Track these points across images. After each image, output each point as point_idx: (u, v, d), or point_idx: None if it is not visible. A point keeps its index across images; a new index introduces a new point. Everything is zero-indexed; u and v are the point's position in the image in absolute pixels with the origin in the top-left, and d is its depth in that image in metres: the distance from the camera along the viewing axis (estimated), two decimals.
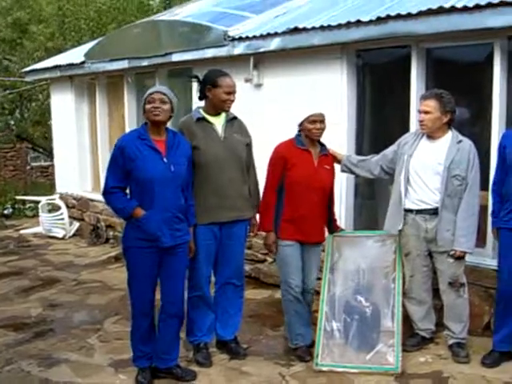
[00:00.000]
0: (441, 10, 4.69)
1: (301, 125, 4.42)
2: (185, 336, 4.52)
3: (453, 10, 4.64)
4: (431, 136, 4.43)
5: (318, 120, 4.37)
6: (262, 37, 5.95)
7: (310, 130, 4.38)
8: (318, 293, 4.66)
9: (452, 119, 4.40)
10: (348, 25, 5.22)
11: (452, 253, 4.33)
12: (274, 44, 5.86)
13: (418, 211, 4.41)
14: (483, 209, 4.60)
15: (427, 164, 4.38)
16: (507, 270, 4.28)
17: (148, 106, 3.91)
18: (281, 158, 4.44)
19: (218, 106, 4.32)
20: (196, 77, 4.51)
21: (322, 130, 4.41)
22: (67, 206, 9.48)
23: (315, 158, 4.45)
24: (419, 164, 4.40)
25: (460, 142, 4.36)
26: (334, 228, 4.73)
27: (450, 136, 4.41)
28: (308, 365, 4.39)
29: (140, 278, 4.00)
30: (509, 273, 4.26)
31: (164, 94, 3.94)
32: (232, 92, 4.31)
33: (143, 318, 4.08)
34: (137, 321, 4.11)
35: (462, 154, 4.31)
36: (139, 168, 3.86)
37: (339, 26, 5.28)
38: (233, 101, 4.33)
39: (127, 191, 4.03)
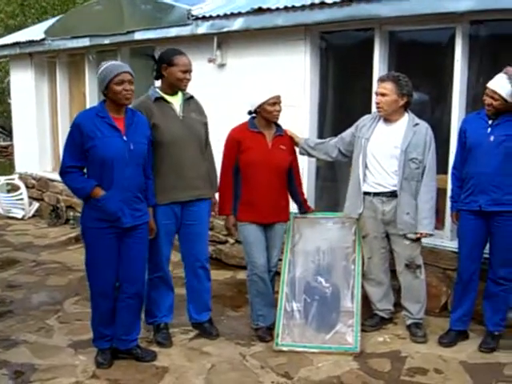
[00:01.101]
0: None
1: (259, 107, 4.40)
2: (144, 317, 4.49)
3: None
4: (388, 119, 4.46)
5: (277, 102, 4.37)
6: (225, 16, 5.91)
7: (271, 113, 4.38)
8: (279, 274, 4.68)
9: (409, 102, 4.43)
10: (312, 6, 5.21)
11: (417, 235, 4.39)
12: (238, 24, 5.82)
13: (376, 194, 4.45)
14: (442, 192, 4.67)
15: (384, 147, 4.41)
16: (466, 251, 4.36)
17: (118, 88, 3.80)
18: (234, 142, 4.45)
19: (174, 85, 4.27)
20: (152, 56, 4.46)
21: (280, 111, 4.42)
22: (27, 186, 9.33)
23: (269, 139, 4.45)
24: (376, 147, 4.43)
25: (416, 125, 4.40)
26: (305, 209, 4.75)
27: (406, 119, 4.44)
28: (268, 345, 4.42)
29: (100, 260, 3.94)
30: (468, 254, 4.35)
31: (131, 75, 3.88)
32: (188, 71, 4.26)
33: (104, 299, 4.03)
34: (97, 303, 4.07)
35: (419, 137, 4.35)
36: (98, 146, 3.78)
37: (303, 7, 5.28)
38: (189, 80, 4.29)
39: (85, 171, 3.94)
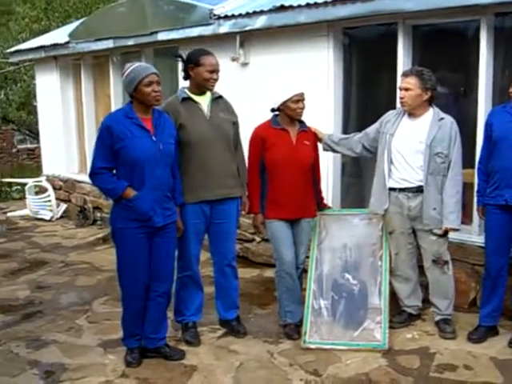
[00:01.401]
0: None
1: (283, 104, 4.39)
2: (173, 316, 4.53)
3: None
4: (412, 114, 4.43)
5: (301, 99, 4.37)
6: (247, 15, 5.91)
7: (294, 110, 4.38)
8: (306, 271, 4.67)
9: (433, 96, 4.40)
10: (334, 2, 5.18)
11: (443, 230, 4.35)
12: (260, 22, 5.82)
13: (401, 189, 4.42)
14: (469, 186, 4.62)
15: (409, 142, 4.38)
16: (493, 246, 4.31)
17: (148, 89, 3.84)
18: (258, 139, 4.46)
19: (201, 85, 4.29)
20: (180, 56, 4.47)
21: (304, 108, 4.41)
22: (54, 188, 9.43)
23: (293, 136, 4.45)
24: (401, 143, 4.40)
25: (441, 119, 4.36)
26: (321, 206, 4.73)
27: (431, 113, 4.41)
28: (296, 343, 4.41)
29: (132, 260, 3.96)
30: (495, 249, 4.30)
31: (158, 76, 3.91)
32: (215, 70, 4.27)
33: (135, 299, 4.06)
34: (128, 302, 4.09)
35: (444, 132, 4.32)
36: (129, 147, 3.82)
37: (325, 4, 5.25)
38: (216, 79, 4.30)
39: (114, 172, 3.97)
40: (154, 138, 3.89)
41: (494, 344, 4.33)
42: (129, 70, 3.91)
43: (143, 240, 3.94)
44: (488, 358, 4.13)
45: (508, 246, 4.30)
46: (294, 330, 4.50)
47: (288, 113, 4.41)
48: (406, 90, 4.34)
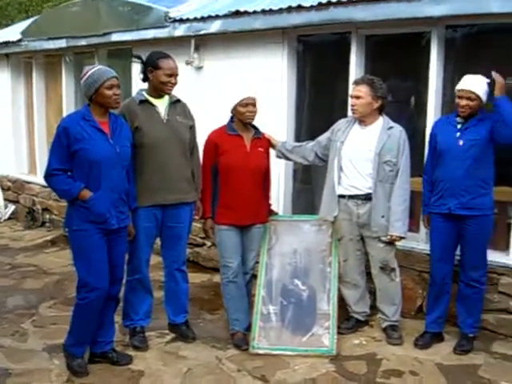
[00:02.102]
0: None
1: (234, 109, 4.41)
2: (120, 320, 4.48)
3: None
4: (362, 122, 4.49)
5: (250, 103, 4.36)
6: (203, 19, 5.91)
7: (243, 114, 4.38)
8: (256, 277, 4.67)
9: (383, 105, 4.48)
10: (289, 9, 5.23)
11: (388, 237, 4.41)
12: (215, 27, 5.82)
13: (351, 196, 4.48)
14: (418, 194, 4.70)
15: (358, 150, 4.44)
16: (437, 254, 4.41)
17: (109, 93, 3.82)
18: (212, 144, 4.45)
19: (158, 89, 4.27)
20: (139, 57, 4.42)
21: (254, 113, 4.40)
22: (2, 189, 9.23)
23: (247, 142, 4.45)
24: (351, 150, 4.46)
25: (391, 128, 4.44)
26: (269, 212, 4.73)
27: (381, 122, 4.48)
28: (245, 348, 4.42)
29: (91, 261, 3.88)
30: (439, 257, 4.40)
31: (118, 79, 3.89)
32: (173, 74, 4.25)
33: (97, 302, 3.93)
34: (85, 306, 3.94)
35: (393, 140, 4.39)
36: (86, 149, 3.78)
37: (280, 11, 5.30)
38: (174, 84, 4.28)
39: (69, 174, 3.90)
40: (111, 140, 3.86)
41: (439, 350, 4.42)
42: (90, 73, 3.87)
43: (101, 240, 3.89)
44: (433, 364, 4.21)
45: (452, 253, 4.40)
46: (242, 341, 4.46)
47: (238, 117, 4.42)
48: (357, 97, 4.41)
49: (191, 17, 6.01)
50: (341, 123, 4.63)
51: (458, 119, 4.28)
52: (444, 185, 4.29)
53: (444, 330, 4.57)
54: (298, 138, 5.69)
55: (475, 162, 4.17)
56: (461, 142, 4.21)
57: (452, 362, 4.24)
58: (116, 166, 3.87)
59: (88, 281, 3.89)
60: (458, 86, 4.23)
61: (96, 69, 3.90)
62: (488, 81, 4.17)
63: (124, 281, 4.28)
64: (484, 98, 4.16)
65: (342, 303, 4.72)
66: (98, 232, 3.87)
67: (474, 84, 4.15)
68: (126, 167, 4.00)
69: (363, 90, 4.39)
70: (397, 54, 5.35)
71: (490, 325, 4.68)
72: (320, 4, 5.02)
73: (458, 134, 4.24)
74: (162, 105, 4.31)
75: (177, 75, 4.30)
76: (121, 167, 3.92)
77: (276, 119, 5.62)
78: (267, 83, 5.62)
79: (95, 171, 3.82)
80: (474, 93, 4.12)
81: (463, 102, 4.17)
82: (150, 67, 4.25)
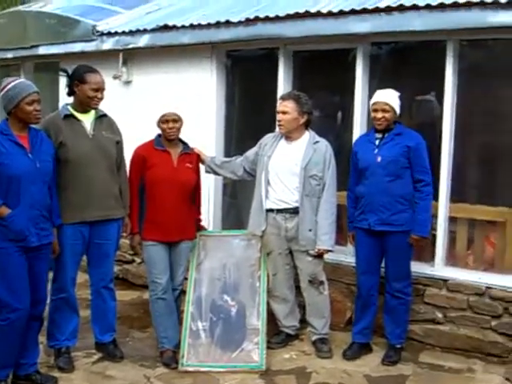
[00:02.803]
0: (307, 14, 4.84)
1: (157, 125, 4.39)
2: (45, 340, 4.34)
3: (318, 14, 4.79)
4: (289, 137, 4.53)
5: (170, 119, 4.33)
6: (131, 33, 5.87)
7: (164, 130, 4.36)
8: (185, 292, 4.62)
9: (309, 120, 4.53)
10: (218, 25, 5.26)
11: (315, 251, 4.44)
12: (144, 41, 5.79)
13: (279, 211, 4.49)
14: (345, 208, 4.75)
15: (285, 164, 4.47)
16: (362, 267, 4.49)
17: (30, 108, 3.73)
18: (139, 159, 4.40)
19: (84, 103, 4.18)
20: (65, 71, 4.33)
21: (177, 129, 4.38)
22: None
23: (175, 157, 4.42)
24: (278, 164, 4.48)
25: (316, 142, 4.49)
26: (198, 227, 4.70)
27: (307, 137, 4.52)
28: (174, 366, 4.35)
29: (12, 281, 3.73)
30: (363, 270, 4.48)
31: (39, 94, 3.80)
32: (100, 89, 4.18)
33: (19, 322, 3.79)
34: (8, 328, 3.80)
35: (319, 155, 4.44)
36: (4, 164, 3.66)
37: (209, 26, 5.32)
38: (100, 98, 4.20)
39: None
40: (30, 155, 3.76)
41: (368, 362, 4.47)
42: (9, 86, 3.77)
43: (20, 259, 3.75)
44: (362, 376, 4.25)
45: (377, 266, 4.47)
46: (171, 359, 4.39)
47: (162, 133, 4.40)
48: (284, 113, 4.44)
49: (119, 30, 5.96)
50: (268, 138, 4.66)
51: (377, 135, 4.39)
52: (365, 201, 4.38)
53: (372, 341, 4.65)
54: (227, 153, 5.69)
55: (393, 178, 4.27)
56: (379, 159, 4.30)
57: (380, 373, 4.30)
58: (36, 182, 3.76)
59: (8, 301, 3.74)
60: (372, 100, 4.35)
61: (16, 83, 3.80)
62: (399, 94, 4.32)
63: (49, 300, 4.15)
64: (397, 109, 4.30)
65: (272, 318, 4.71)
66: (17, 250, 3.74)
67: (388, 96, 4.29)
68: (48, 182, 3.88)
69: (289, 105, 4.43)
70: (324, 70, 5.42)
71: (417, 335, 4.77)
72: (248, 20, 5.07)
73: (376, 150, 4.34)
74: (87, 120, 4.23)
75: (103, 90, 4.22)
76: (41, 182, 3.81)
77: (206, 134, 5.62)
78: (196, 98, 5.61)
79: (14, 187, 3.69)
80: (388, 104, 4.26)
81: (379, 115, 4.28)
82: (76, 81, 4.17)
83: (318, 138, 4.51)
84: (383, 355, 4.48)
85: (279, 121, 4.47)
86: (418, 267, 4.71)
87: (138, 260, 6.13)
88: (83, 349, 4.56)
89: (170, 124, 4.33)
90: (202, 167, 4.72)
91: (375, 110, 4.30)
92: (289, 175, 4.44)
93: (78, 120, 4.19)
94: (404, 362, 4.45)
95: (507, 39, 4.43)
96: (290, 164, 4.45)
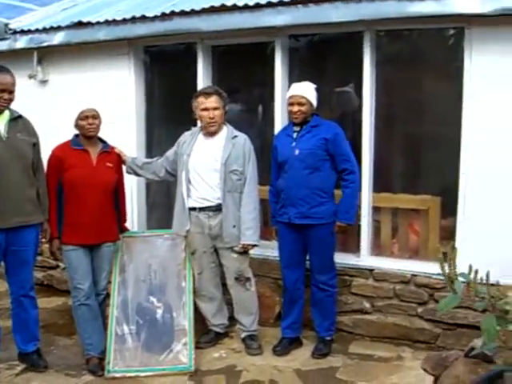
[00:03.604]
0: (223, 8, 4.79)
1: (75, 124, 4.26)
2: None
3: (235, 8, 4.75)
4: (210, 133, 4.46)
5: (89, 115, 4.23)
6: (45, 30, 5.67)
7: (83, 127, 4.24)
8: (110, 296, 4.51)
9: (226, 114, 4.49)
10: (133, 20, 5.15)
11: (239, 246, 4.40)
12: (58, 38, 5.60)
13: (201, 209, 4.42)
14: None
15: (205, 161, 4.40)
16: (285, 261, 4.48)
17: None
18: (57, 159, 4.26)
19: None
20: None
21: (97, 125, 4.27)
22: None
23: (94, 156, 4.29)
24: (197, 162, 4.41)
25: (235, 137, 4.44)
26: (122, 229, 4.59)
27: (225, 132, 4.47)
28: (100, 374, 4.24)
29: None
30: (287, 264, 4.47)
31: None
32: (5, 90, 3.97)
33: None
34: None
35: (238, 149, 4.39)
36: None
37: (124, 21, 5.20)
38: (7, 100, 4.00)
39: None
40: None
41: (298, 356, 4.47)
42: None
43: None
44: (292, 371, 4.24)
45: (300, 259, 4.46)
46: (97, 366, 4.27)
47: (81, 131, 4.27)
48: (215, 109, 4.36)
49: (33, 28, 5.75)
50: (186, 136, 4.58)
51: (295, 128, 4.38)
52: (284, 195, 4.36)
53: (302, 334, 4.64)
54: (149, 151, 5.59)
55: (312, 170, 4.26)
56: (297, 152, 4.29)
57: (310, 366, 4.30)
58: None
59: None
60: (288, 94, 4.34)
61: None
62: (315, 86, 4.31)
63: None
64: (314, 102, 4.30)
65: (200, 317, 4.65)
66: None
67: (304, 89, 4.28)
68: None
69: (217, 100, 4.37)
70: (244, 64, 5.37)
71: (346, 326, 4.81)
72: (164, 14, 4.98)
73: (294, 143, 4.33)
74: (1, 121, 4.04)
75: (11, 91, 4.01)
76: None
77: (126, 133, 5.49)
78: (115, 96, 5.48)
79: None
80: (304, 97, 4.25)
81: (295, 108, 4.27)
82: None
83: (236, 133, 4.46)
84: (313, 348, 4.48)
85: (211, 118, 4.36)
86: (343, 258, 4.75)
87: (62, 265, 5.94)
88: (5, 360, 4.40)
89: (89, 120, 4.22)
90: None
91: (291, 104, 4.28)
92: (209, 172, 4.37)
93: None
94: (334, 353, 4.47)
95: (423, 29, 4.49)
96: (209, 160, 4.38)
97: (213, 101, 4.37)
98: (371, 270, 4.74)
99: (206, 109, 4.38)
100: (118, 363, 4.25)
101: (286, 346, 4.51)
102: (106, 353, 4.27)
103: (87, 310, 4.28)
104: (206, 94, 4.43)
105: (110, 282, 4.51)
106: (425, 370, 3.17)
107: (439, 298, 4.43)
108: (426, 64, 4.78)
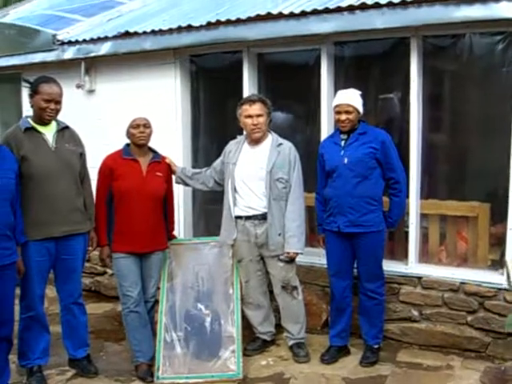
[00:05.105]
0: (269, 16, 4.80)
1: (127, 132, 4.32)
2: (17, 360, 4.23)
3: (280, 16, 4.76)
4: (255, 141, 4.46)
5: (141, 124, 4.28)
6: (92, 41, 5.78)
7: (134, 135, 4.29)
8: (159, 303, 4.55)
9: (270, 122, 4.50)
10: (179, 29, 5.21)
11: (285, 255, 4.39)
12: (105, 48, 5.71)
13: (247, 217, 4.43)
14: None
15: (250, 170, 4.41)
16: (334, 269, 4.45)
17: None
18: (107, 169, 4.33)
19: (37, 115, 4.06)
20: (29, 82, 4.18)
21: (148, 134, 4.32)
22: None
23: (144, 166, 4.34)
24: (243, 171, 4.42)
25: (280, 144, 4.44)
26: (170, 237, 4.63)
27: (270, 140, 4.47)
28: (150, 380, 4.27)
29: None
30: (335, 272, 4.44)
31: None
32: (52, 100, 4.02)
33: None
34: None
35: (283, 157, 4.39)
36: None
37: (170, 31, 5.26)
38: (54, 110, 4.05)
39: None
40: None
41: (346, 364, 4.43)
42: None
43: None
44: (341, 379, 4.21)
45: (348, 267, 4.42)
46: (147, 373, 4.31)
47: (132, 140, 4.32)
48: (259, 116, 4.37)
49: (80, 39, 5.87)
50: (231, 144, 4.60)
51: (341, 136, 4.35)
52: (333, 203, 4.33)
53: (349, 342, 4.61)
54: (195, 160, 5.63)
55: (361, 179, 4.23)
56: (346, 160, 4.26)
57: (359, 375, 4.27)
58: None
59: None
60: (335, 102, 4.31)
61: None
62: (360, 92, 4.29)
63: (18, 318, 4.05)
64: (361, 109, 4.27)
65: (248, 324, 4.66)
66: None
67: (350, 97, 4.25)
68: (10, 200, 3.75)
69: (261, 107, 4.39)
70: (290, 71, 5.38)
71: (394, 334, 4.76)
72: (209, 23, 5.02)
73: (342, 152, 4.30)
74: (49, 132, 4.12)
75: (58, 101, 4.07)
76: (2, 200, 3.69)
77: (172, 142, 5.55)
78: (161, 105, 5.55)
79: None
80: (351, 105, 4.22)
81: (343, 117, 4.24)
82: (31, 92, 4.06)
83: (281, 140, 4.46)
84: (361, 357, 4.45)
85: (255, 125, 4.37)
86: (392, 266, 4.71)
87: (109, 271, 6.04)
88: (56, 366, 4.47)
89: (140, 128, 4.27)
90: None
91: (338, 113, 4.26)
92: (255, 180, 4.38)
93: (40, 133, 4.08)
94: (382, 362, 4.43)
95: (471, 34, 4.44)
96: (255, 169, 4.39)
97: (256, 108, 4.39)
98: (419, 278, 4.68)
99: (249, 116, 4.40)
100: (167, 370, 4.29)
101: (334, 354, 4.49)
102: (155, 359, 4.31)
103: (136, 317, 4.33)
104: (250, 101, 4.46)
105: (158, 289, 4.55)
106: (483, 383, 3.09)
107: (490, 306, 4.37)
108: (474, 69, 4.71)
